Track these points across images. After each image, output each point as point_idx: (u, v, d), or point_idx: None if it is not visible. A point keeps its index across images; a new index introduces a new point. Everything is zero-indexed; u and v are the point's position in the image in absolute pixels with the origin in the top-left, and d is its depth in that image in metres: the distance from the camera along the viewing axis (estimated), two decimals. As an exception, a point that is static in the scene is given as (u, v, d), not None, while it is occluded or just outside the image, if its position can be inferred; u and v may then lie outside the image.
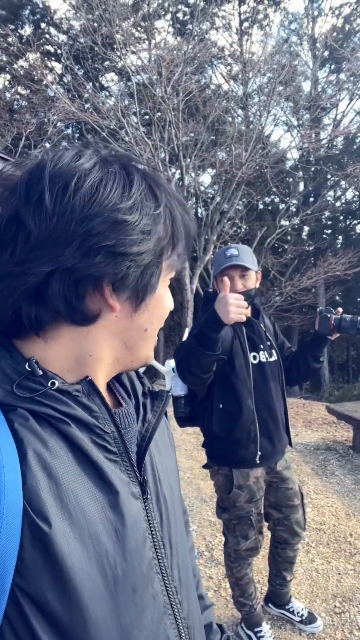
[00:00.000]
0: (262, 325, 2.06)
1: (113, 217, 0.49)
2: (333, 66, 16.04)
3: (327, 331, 1.97)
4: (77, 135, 16.13)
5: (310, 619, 2.26)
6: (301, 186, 16.90)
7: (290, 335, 17.50)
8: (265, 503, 2.09)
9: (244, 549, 2.02)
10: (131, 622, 0.52)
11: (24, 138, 12.26)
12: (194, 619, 0.64)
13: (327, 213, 16.99)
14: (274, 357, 2.05)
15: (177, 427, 2.21)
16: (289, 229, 15.52)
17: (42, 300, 0.50)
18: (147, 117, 13.36)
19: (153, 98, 11.21)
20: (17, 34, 15.54)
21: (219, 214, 12.91)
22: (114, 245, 0.49)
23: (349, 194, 18.43)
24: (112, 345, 0.57)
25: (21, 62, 14.28)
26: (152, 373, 10.34)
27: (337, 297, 18.46)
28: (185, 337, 4.93)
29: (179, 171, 12.18)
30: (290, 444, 2.13)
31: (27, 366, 0.51)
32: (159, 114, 11.78)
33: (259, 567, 2.66)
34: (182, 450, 4.91)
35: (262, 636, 2.12)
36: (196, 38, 12.15)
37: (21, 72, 13.82)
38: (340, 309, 2.00)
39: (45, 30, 16.84)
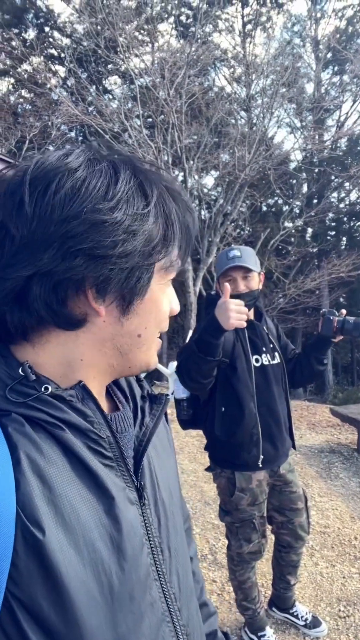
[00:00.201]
0: (264, 327, 2.05)
1: (92, 218, 0.47)
2: (336, 68, 16.07)
3: (330, 333, 1.95)
4: (80, 138, 16.19)
5: (315, 623, 2.24)
6: (305, 188, 16.85)
7: (293, 338, 17.45)
8: (268, 506, 2.08)
9: (247, 552, 2.00)
10: (128, 630, 0.51)
11: (27, 141, 12.35)
12: (194, 626, 0.63)
13: (330, 214, 16.96)
14: (277, 360, 2.04)
15: (181, 429, 2.20)
16: (293, 231, 15.46)
17: (24, 305, 0.49)
18: (150, 119, 13.40)
19: (156, 101, 11.24)
20: (21, 37, 15.66)
21: (222, 216, 12.88)
22: (93, 248, 0.48)
23: (353, 195, 18.41)
24: (103, 351, 0.55)
25: (25, 66, 14.43)
26: (155, 375, 10.33)
27: (341, 299, 18.43)
28: (188, 339, 4.92)
29: (182, 173, 12.22)
30: (294, 447, 2.12)
31: (20, 371, 0.50)
32: (162, 116, 11.80)
33: (263, 571, 2.64)
34: (185, 452, 4.90)
35: (266, 641, 2.10)
36: (199, 41, 12.19)
37: (25, 76, 13.95)
38: (343, 311, 1.99)
39: (49, 33, 16.96)
